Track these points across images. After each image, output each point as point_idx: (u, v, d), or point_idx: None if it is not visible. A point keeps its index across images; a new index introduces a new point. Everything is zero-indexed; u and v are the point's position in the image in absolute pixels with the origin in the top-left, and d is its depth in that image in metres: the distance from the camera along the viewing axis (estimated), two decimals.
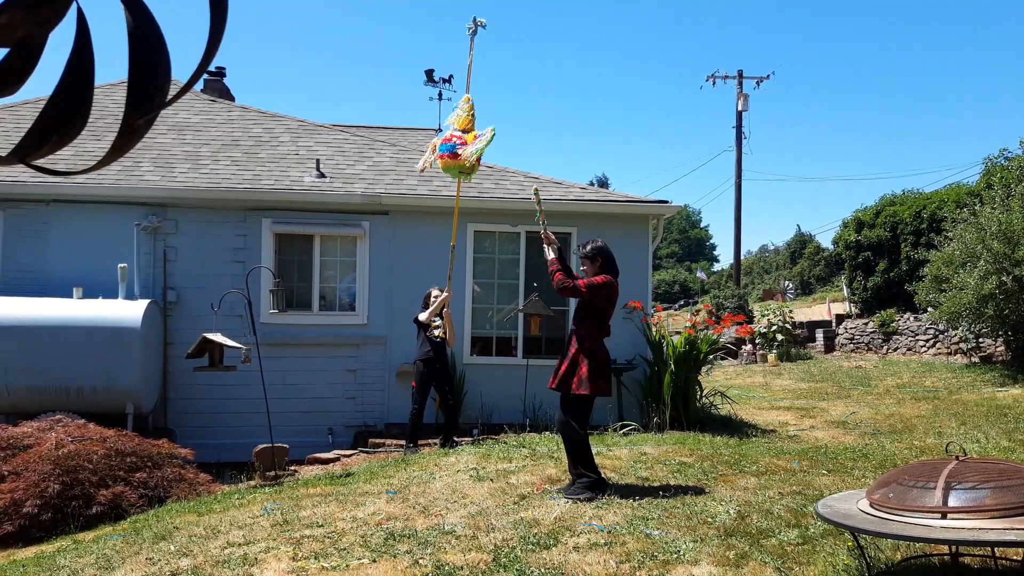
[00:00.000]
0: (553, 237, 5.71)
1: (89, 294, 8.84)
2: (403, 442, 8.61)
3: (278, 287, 8.22)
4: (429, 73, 21.80)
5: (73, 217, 9.37)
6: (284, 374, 9.33)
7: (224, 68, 15.63)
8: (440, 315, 8.03)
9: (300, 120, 12.19)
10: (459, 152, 5.94)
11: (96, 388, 8.35)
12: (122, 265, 8.89)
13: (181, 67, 1.42)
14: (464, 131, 6.08)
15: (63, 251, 9.29)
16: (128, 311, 8.57)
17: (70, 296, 8.74)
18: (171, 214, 9.51)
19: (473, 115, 6.23)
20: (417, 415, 8.13)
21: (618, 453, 6.83)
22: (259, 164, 10.50)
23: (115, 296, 8.85)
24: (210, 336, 7.00)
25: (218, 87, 15.08)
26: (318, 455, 8.38)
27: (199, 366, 7.29)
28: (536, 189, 5.97)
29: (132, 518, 5.89)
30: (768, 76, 27.76)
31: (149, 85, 1.22)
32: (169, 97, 1.28)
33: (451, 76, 22.01)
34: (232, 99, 15.12)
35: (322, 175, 10.16)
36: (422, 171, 6.85)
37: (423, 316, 8.15)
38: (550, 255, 5.58)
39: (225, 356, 7.31)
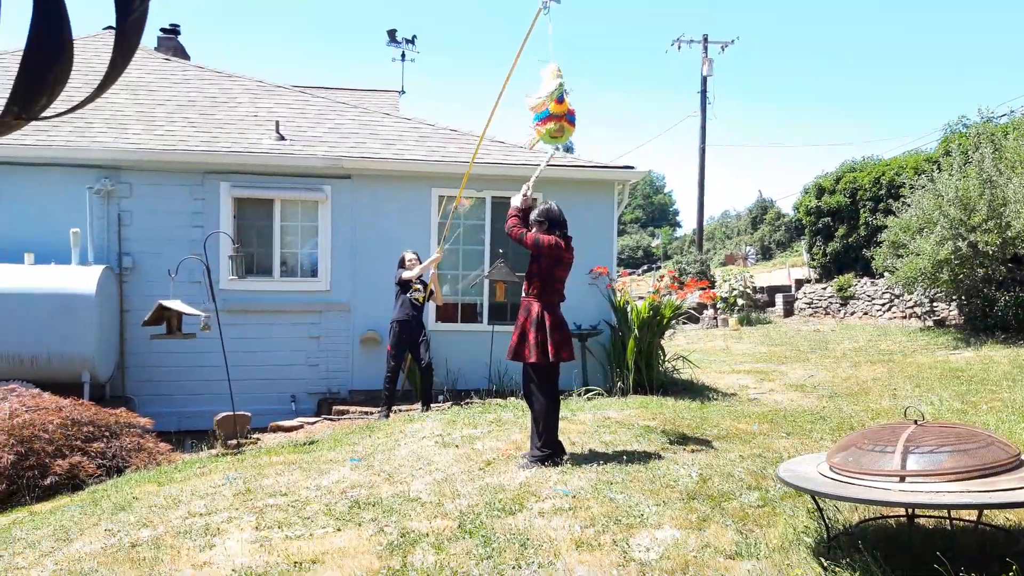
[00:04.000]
0: (530, 187, 5.63)
1: (41, 260, 8.58)
2: (367, 409, 8.61)
3: (237, 252, 8.05)
4: (392, 33, 21.37)
5: (22, 180, 9.03)
6: (245, 341, 9.20)
7: (179, 26, 15.13)
8: (425, 277, 8.02)
9: (258, 80, 11.87)
10: (547, 117, 5.61)
11: (50, 356, 8.14)
12: (74, 230, 8.62)
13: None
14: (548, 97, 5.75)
15: (12, 215, 8.97)
16: (82, 277, 8.33)
17: (21, 262, 8.47)
18: (125, 177, 9.22)
19: (563, 85, 5.72)
20: (392, 378, 8.12)
21: (582, 418, 6.87)
22: (216, 125, 10.21)
23: (68, 262, 8.61)
24: (167, 303, 6.84)
25: (172, 45, 14.59)
26: (281, 423, 8.31)
27: (156, 334, 7.13)
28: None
29: (90, 488, 5.78)
30: (733, 41, 27.75)
31: (38, 86, 1.11)
32: (69, 105, 1.18)
33: (414, 36, 21.60)
34: (187, 58, 14.67)
35: (282, 137, 9.93)
36: (531, 148, 6.46)
37: (408, 274, 8.06)
38: (516, 202, 5.50)
39: (184, 323, 7.16)
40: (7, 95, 1.16)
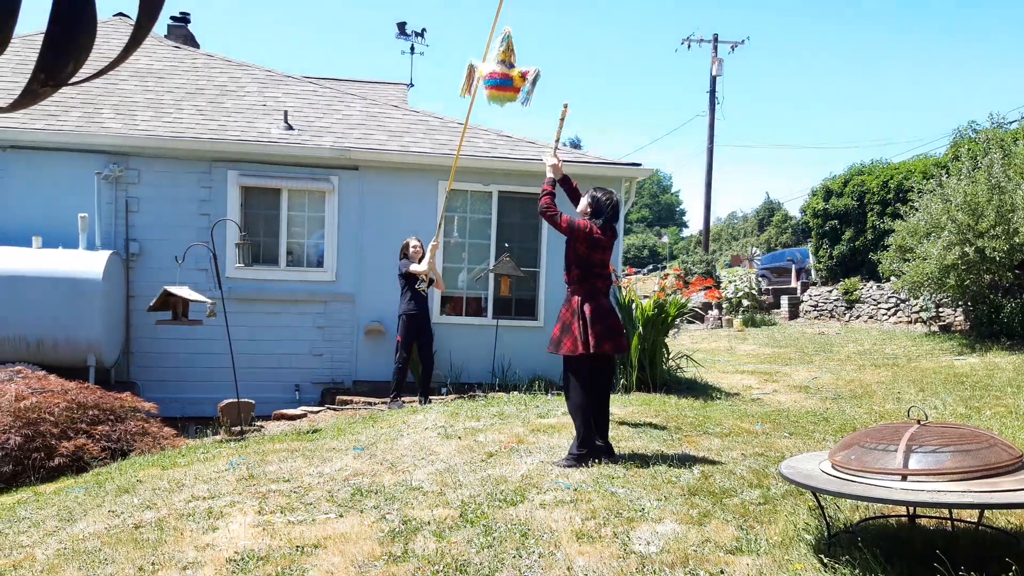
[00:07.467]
0: (559, 164, 5.42)
1: (48, 244, 8.61)
2: (371, 399, 8.65)
3: (244, 241, 8.08)
4: (401, 26, 21.38)
5: (31, 164, 9.07)
6: (250, 329, 9.23)
7: (189, 14, 15.16)
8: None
9: (267, 70, 11.88)
10: (510, 86, 5.62)
11: (56, 340, 8.18)
12: (82, 215, 8.66)
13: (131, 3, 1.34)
14: (503, 62, 5.75)
15: (20, 199, 9.01)
16: (89, 262, 8.37)
17: (28, 246, 8.51)
18: (133, 163, 9.25)
19: (512, 48, 5.78)
20: (402, 368, 8.16)
21: None
22: (225, 114, 10.23)
23: (75, 246, 8.64)
24: (172, 289, 6.87)
25: (182, 33, 14.63)
26: (285, 411, 8.34)
27: (162, 320, 7.17)
28: (566, 104, 5.66)
29: (95, 471, 5.82)
30: (743, 41, 27.72)
31: (63, 53, 1.11)
32: (86, 74, 1.19)
33: (424, 29, 21.59)
34: (197, 46, 14.69)
35: (290, 127, 9.95)
36: (463, 95, 6.38)
37: (415, 267, 8.06)
38: (548, 171, 5.36)
39: (190, 310, 7.19)
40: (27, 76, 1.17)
